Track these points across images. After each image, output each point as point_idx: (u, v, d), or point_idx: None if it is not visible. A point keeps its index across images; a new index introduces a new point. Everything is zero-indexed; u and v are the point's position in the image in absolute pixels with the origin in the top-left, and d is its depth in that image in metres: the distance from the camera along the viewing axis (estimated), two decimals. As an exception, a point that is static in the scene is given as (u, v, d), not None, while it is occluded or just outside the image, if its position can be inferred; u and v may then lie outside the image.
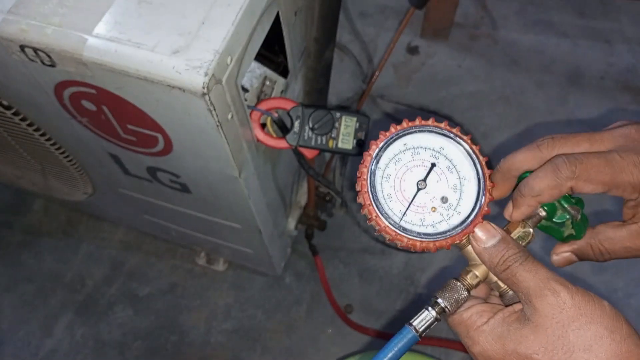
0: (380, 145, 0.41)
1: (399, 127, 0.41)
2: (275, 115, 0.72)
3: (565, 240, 0.43)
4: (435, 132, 0.41)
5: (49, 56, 0.58)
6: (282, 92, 0.78)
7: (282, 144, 0.73)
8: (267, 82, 0.76)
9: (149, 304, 1.35)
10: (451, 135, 0.41)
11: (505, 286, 0.40)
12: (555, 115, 1.53)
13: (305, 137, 0.73)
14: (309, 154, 0.76)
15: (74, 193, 1.15)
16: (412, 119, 0.42)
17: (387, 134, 0.41)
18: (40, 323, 1.34)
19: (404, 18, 1.01)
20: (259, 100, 0.74)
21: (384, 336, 1.24)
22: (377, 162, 0.40)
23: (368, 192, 0.40)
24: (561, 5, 1.71)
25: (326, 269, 1.30)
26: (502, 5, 1.72)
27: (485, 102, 1.56)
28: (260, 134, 0.73)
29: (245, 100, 0.66)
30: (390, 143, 0.41)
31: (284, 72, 0.78)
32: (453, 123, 0.42)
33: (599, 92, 1.56)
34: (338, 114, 0.74)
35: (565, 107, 1.54)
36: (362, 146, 0.74)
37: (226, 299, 1.35)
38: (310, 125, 0.73)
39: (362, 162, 0.41)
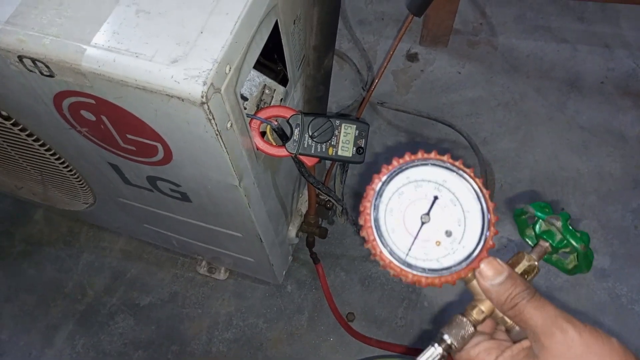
0: (383, 179, 0.40)
1: (401, 161, 0.41)
2: (275, 123, 0.72)
3: (570, 272, 0.43)
4: (438, 165, 0.41)
5: (47, 66, 0.58)
6: (281, 100, 0.78)
7: (282, 152, 0.73)
8: (267, 91, 0.76)
9: (150, 314, 1.35)
10: (454, 168, 0.41)
11: (512, 322, 0.39)
12: (555, 121, 1.53)
13: (305, 145, 0.73)
14: (308, 161, 0.76)
15: (74, 203, 1.14)
16: (414, 150, 0.41)
17: (390, 167, 0.41)
18: (40, 333, 1.34)
19: (402, 25, 1.01)
20: (259, 108, 0.74)
21: (385, 346, 1.23)
22: (381, 196, 0.40)
23: (372, 226, 0.39)
24: (560, 10, 1.71)
25: (327, 277, 1.30)
26: (501, 12, 1.73)
27: (485, 108, 1.56)
28: (259, 143, 0.72)
29: (245, 108, 0.66)
30: (393, 176, 0.40)
31: (283, 80, 0.78)
32: (455, 157, 0.42)
33: (599, 98, 1.55)
34: (337, 122, 0.74)
35: (565, 112, 1.54)
36: (361, 154, 0.74)
37: (227, 308, 1.34)
38: (310, 133, 0.73)
39: (364, 196, 0.40)
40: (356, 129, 0.74)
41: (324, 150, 0.74)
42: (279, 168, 0.92)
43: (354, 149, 0.74)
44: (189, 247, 1.27)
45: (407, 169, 0.41)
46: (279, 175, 0.94)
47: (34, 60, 0.57)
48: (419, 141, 1.51)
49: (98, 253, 1.43)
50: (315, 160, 0.76)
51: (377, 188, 0.40)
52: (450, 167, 0.41)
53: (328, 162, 1.23)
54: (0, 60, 0.59)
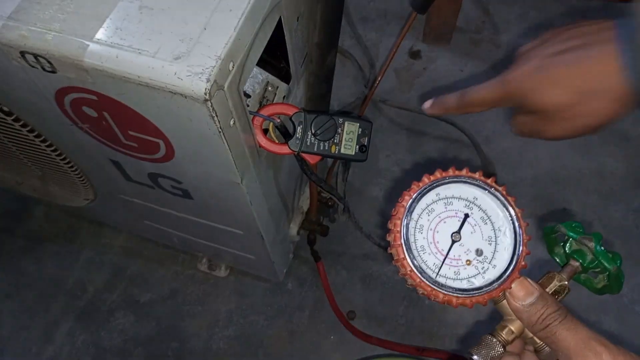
0: (414, 196, 0.40)
1: (432, 178, 0.40)
2: (278, 121, 0.72)
3: (599, 292, 0.43)
4: (469, 183, 0.40)
5: (49, 62, 0.57)
6: (284, 97, 0.78)
7: (284, 149, 0.73)
8: (269, 88, 0.75)
9: (150, 310, 1.35)
10: (485, 186, 0.40)
11: (542, 342, 0.39)
12: (558, 120, 1.52)
13: (308, 143, 0.73)
14: (311, 159, 0.75)
15: (75, 199, 1.14)
16: (445, 168, 0.41)
17: (420, 184, 0.40)
18: (41, 329, 1.33)
19: (405, 23, 1.01)
20: (261, 106, 0.74)
21: (386, 344, 1.22)
22: (411, 213, 0.39)
23: (402, 245, 0.39)
24: (563, 9, 1.70)
25: (328, 275, 1.30)
26: (504, 10, 1.72)
27: (487, 107, 1.55)
28: (262, 140, 0.72)
29: (248, 106, 0.66)
30: (424, 194, 0.40)
31: (286, 77, 0.78)
32: (487, 173, 0.41)
33: (602, 97, 1.55)
34: (340, 120, 0.73)
35: (568, 111, 1.53)
36: (364, 152, 0.74)
37: (228, 305, 1.34)
38: (313, 131, 0.72)
39: (394, 213, 0.40)
40: (359, 127, 0.73)
41: (326, 148, 0.73)
42: (281, 165, 0.92)
43: (357, 147, 0.73)
44: (189, 244, 1.26)
45: (437, 186, 0.40)
46: (280, 172, 0.93)
47: (36, 56, 0.57)
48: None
49: (98, 249, 1.42)
50: (318, 158, 0.75)
51: (408, 205, 0.39)
52: (482, 184, 0.40)
53: (330, 160, 1.22)
54: (2, 55, 0.59)
